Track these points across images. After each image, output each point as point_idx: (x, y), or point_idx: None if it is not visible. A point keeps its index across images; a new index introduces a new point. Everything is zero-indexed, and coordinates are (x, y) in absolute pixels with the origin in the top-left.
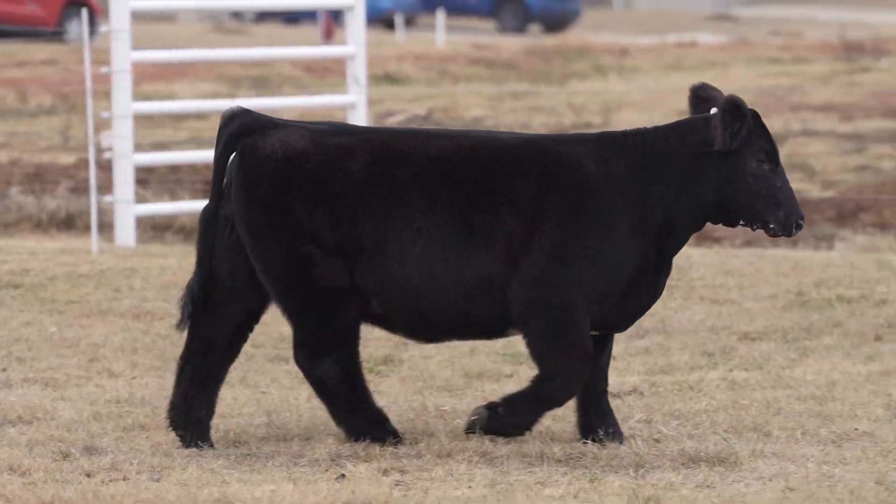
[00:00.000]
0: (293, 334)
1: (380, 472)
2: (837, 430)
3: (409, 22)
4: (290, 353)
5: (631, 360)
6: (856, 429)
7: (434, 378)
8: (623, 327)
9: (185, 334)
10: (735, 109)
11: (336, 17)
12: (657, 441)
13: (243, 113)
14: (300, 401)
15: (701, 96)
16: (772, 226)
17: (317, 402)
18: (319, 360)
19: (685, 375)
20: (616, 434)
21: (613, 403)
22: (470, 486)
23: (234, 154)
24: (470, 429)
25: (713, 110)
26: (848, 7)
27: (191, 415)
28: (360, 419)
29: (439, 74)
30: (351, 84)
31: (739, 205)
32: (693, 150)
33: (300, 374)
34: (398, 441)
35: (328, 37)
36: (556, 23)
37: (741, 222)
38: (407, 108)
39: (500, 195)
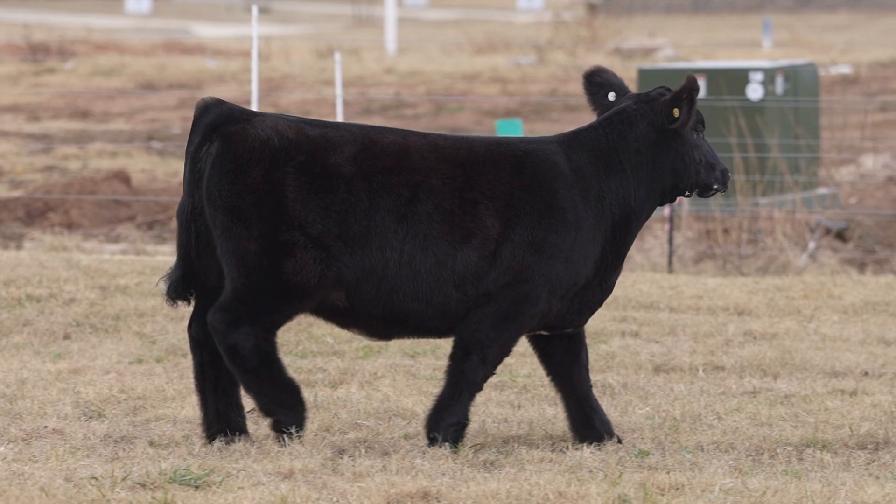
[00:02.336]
0: (223, 297)
1: None
2: (27, 427)
3: None
4: None
5: None
6: (45, 426)
7: None
8: (576, 325)
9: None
10: (696, 88)
11: None
12: None
13: (218, 103)
14: None
15: (596, 82)
16: (715, 186)
17: None
18: (237, 327)
19: None
20: (607, 429)
21: None
22: None
23: (208, 144)
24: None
25: (611, 95)
26: (31, 9)
27: (228, 419)
28: (272, 391)
29: None
30: None
31: (690, 178)
32: (641, 141)
33: None
34: (301, 423)
35: None
36: None
37: (686, 193)
38: None
39: (477, 190)
